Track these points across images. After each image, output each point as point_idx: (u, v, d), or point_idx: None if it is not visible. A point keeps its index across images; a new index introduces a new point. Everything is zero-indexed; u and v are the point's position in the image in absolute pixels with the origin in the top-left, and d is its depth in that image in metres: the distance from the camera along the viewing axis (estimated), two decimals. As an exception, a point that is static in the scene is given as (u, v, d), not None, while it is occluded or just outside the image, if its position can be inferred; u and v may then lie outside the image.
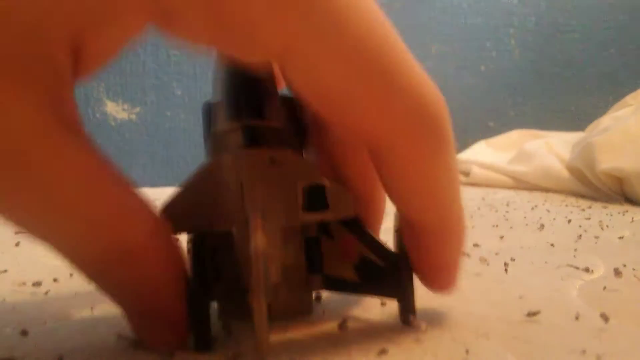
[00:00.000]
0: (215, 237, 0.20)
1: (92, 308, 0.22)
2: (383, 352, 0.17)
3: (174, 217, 0.19)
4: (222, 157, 0.19)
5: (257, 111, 0.19)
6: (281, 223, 0.19)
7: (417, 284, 0.20)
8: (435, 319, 0.21)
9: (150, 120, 1.06)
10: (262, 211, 0.17)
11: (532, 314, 0.21)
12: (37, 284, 0.26)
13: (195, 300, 0.17)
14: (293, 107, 0.21)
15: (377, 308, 0.22)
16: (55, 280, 0.26)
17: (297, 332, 0.19)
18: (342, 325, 0.19)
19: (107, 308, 0.22)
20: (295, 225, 0.19)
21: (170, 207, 0.19)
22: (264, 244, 0.16)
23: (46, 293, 0.24)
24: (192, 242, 0.19)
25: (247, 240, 0.16)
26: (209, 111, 0.21)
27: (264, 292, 0.15)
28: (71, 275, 0.27)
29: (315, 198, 0.19)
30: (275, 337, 0.19)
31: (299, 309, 0.20)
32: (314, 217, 0.19)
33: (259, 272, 0.15)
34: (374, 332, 0.19)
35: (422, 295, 0.25)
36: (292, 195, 0.19)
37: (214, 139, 0.21)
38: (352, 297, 0.24)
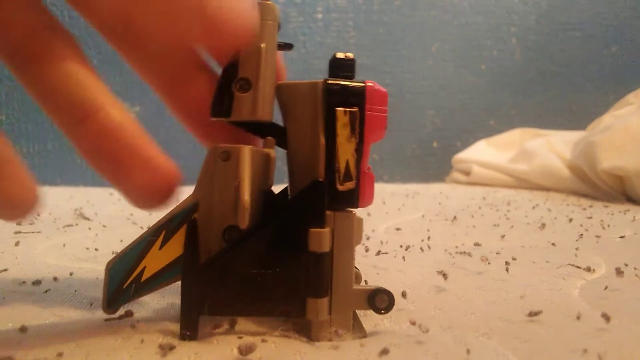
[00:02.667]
0: None
1: (91, 304, 0.22)
2: (385, 352, 0.17)
3: None
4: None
5: (222, 109, 0.20)
6: (218, 215, 0.19)
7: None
8: (436, 319, 0.21)
9: (150, 120, 1.05)
10: (205, 202, 0.19)
11: (533, 314, 0.21)
12: (36, 282, 0.26)
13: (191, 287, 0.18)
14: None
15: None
16: (55, 279, 0.26)
17: (301, 335, 0.19)
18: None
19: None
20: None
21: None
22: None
23: (46, 292, 0.24)
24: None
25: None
26: None
27: None
28: (71, 274, 0.27)
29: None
30: (280, 340, 0.18)
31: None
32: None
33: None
34: (375, 333, 0.19)
35: (424, 295, 0.25)
36: (231, 193, 0.19)
37: None
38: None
